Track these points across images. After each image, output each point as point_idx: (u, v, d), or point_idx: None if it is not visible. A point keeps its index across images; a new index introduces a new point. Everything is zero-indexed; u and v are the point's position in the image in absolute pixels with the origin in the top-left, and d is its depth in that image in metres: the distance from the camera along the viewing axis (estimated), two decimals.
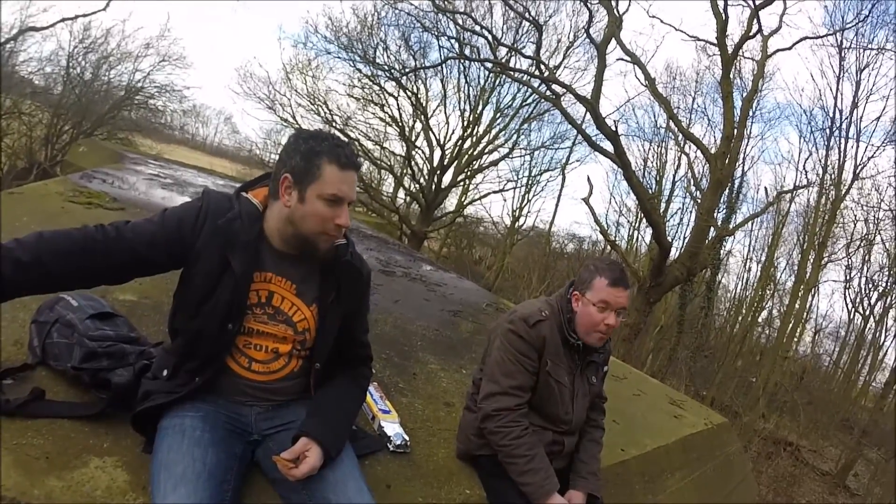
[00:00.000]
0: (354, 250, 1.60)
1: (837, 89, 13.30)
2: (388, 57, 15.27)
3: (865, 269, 14.97)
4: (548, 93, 9.89)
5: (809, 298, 14.30)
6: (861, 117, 13.39)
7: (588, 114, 8.93)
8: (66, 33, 13.86)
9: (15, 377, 1.61)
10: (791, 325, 13.91)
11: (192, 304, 1.43)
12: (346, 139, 1.49)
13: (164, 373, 1.47)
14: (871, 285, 15.13)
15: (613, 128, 8.41)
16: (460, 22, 12.62)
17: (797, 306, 13.81)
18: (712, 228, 9.68)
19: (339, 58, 15.43)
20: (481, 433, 1.92)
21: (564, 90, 9.47)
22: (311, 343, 1.56)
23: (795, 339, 15.14)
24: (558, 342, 1.91)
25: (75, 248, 1.34)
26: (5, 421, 1.44)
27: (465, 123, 16.60)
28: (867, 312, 15.43)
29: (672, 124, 10.56)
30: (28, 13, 12.33)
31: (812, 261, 13.32)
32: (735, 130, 9.42)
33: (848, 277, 15.13)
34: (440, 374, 2.91)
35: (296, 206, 1.43)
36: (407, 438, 1.99)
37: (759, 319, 16.38)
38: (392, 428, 2.01)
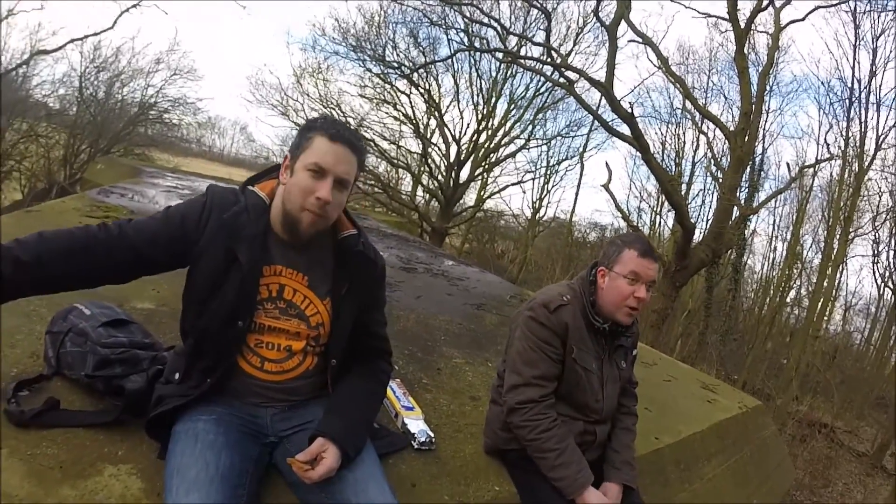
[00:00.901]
0: (367, 240, 1.53)
1: (854, 58, 12.82)
2: (398, 55, 15.18)
3: (893, 241, 14.48)
4: (561, 80, 9.77)
5: (838, 275, 13.93)
6: (880, 85, 12.93)
7: (602, 98, 8.79)
8: (76, 54, 14.09)
9: (30, 388, 1.60)
10: (820, 303, 13.53)
11: (199, 301, 1.39)
12: (349, 122, 1.40)
13: (176, 376, 1.43)
14: None
15: (629, 110, 8.25)
16: (468, 14, 12.45)
17: (825, 284, 13.44)
18: (735, 208, 9.46)
19: (348, 59, 15.41)
20: (508, 427, 1.85)
21: (577, 76, 9.33)
22: (326, 338, 1.50)
23: (825, 318, 14.72)
24: (582, 327, 1.82)
25: (77, 246, 1.31)
26: (20, 432, 1.43)
27: (480, 117, 16.40)
28: None
29: (688, 103, 10.35)
30: (38, 37, 12.58)
31: (838, 236, 12.95)
32: (753, 106, 9.19)
33: (876, 252, 14.59)
34: (465, 368, 2.85)
35: (288, 182, 1.39)
36: (432, 435, 1.93)
37: (788, 299, 16.00)
38: (416, 425, 1.95)
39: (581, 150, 18.00)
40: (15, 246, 1.25)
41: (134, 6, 13.01)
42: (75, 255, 1.30)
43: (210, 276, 1.37)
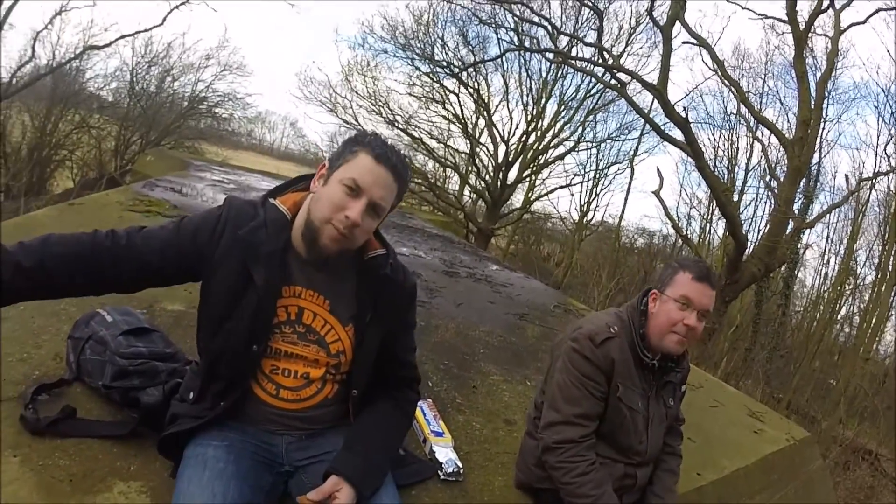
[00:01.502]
0: (396, 261, 1.41)
1: None
2: (447, 53, 15.10)
3: None
4: (612, 81, 9.51)
5: (892, 294, 13.17)
6: None
7: (655, 101, 8.50)
8: (128, 50, 14.52)
9: (50, 393, 1.58)
10: (872, 322, 12.85)
11: (213, 321, 1.30)
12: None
13: (191, 395, 1.35)
14: None
15: (683, 115, 7.95)
16: (518, 12, 12.25)
17: (879, 302, 12.75)
18: (790, 221, 9.02)
19: (396, 57, 15.41)
20: (543, 464, 1.71)
21: (630, 77, 9.06)
22: (348, 367, 1.39)
23: (877, 339, 13.98)
24: (630, 362, 1.66)
25: (82, 253, 1.24)
26: (34, 440, 1.40)
27: (529, 118, 16.14)
28: None
29: (744, 109, 9.93)
30: (91, 33, 13.00)
31: (895, 253, 12.26)
32: (812, 114, 8.73)
33: None
34: (502, 386, 2.73)
35: (319, 191, 1.29)
36: (460, 465, 1.81)
37: (838, 317, 15.25)
38: (444, 453, 1.83)
39: (631, 154, 17.46)
40: (18, 250, 1.19)
41: (183, 3, 13.28)
42: (79, 262, 1.23)
43: (225, 295, 1.28)
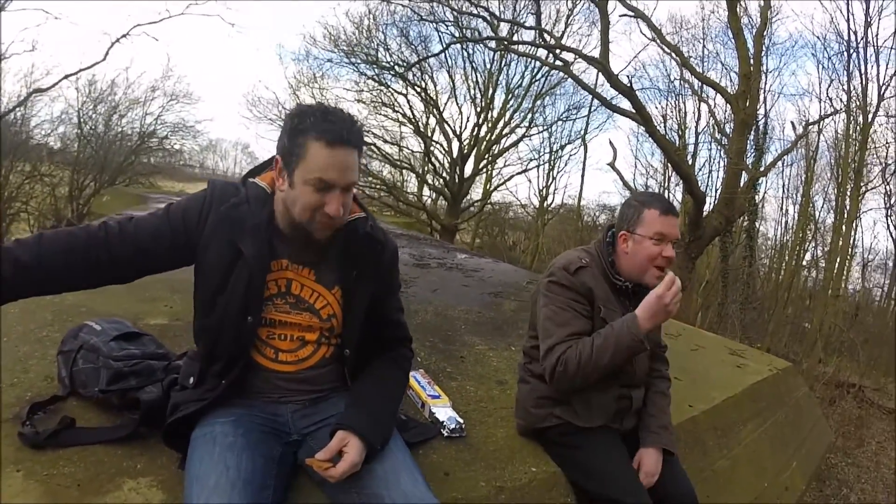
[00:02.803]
0: (375, 223, 1.45)
1: (848, 10, 12.55)
2: (391, 56, 15.20)
3: None
4: (556, 62, 9.66)
5: (852, 232, 13.67)
6: (877, 34, 12.60)
7: (600, 76, 8.71)
8: (72, 91, 14.06)
9: (45, 410, 1.56)
10: (837, 262, 13.30)
11: (207, 298, 1.33)
12: (340, 109, 1.31)
13: (191, 381, 1.37)
14: None
15: (628, 84, 8.14)
16: (455, 6, 12.39)
17: (840, 242, 13.21)
18: (744, 172, 9.31)
19: (342, 65, 15.41)
20: (541, 404, 1.79)
21: (573, 55, 9.24)
22: (340, 329, 1.43)
23: (844, 277, 14.47)
24: (605, 288, 1.75)
25: (77, 244, 1.26)
26: (36, 454, 1.38)
27: (479, 110, 16.39)
28: None
29: (686, 73, 10.23)
30: (33, 78, 12.62)
31: (850, 192, 12.72)
32: (751, 67, 9.04)
33: (889, 204, 14.28)
34: (489, 354, 2.80)
35: (287, 192, 1.29)
36: (461, 421, 1.87)
37: (804, 262, 15.76)
38: (444, 412, 1.89)
39: (583, 132, 17.86)
40: (15, 246, 1.21)
41: (123, 36, 13.02)
42: (76, 253, 1.25)
43: (216, 270, 1.32)
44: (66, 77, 12.70)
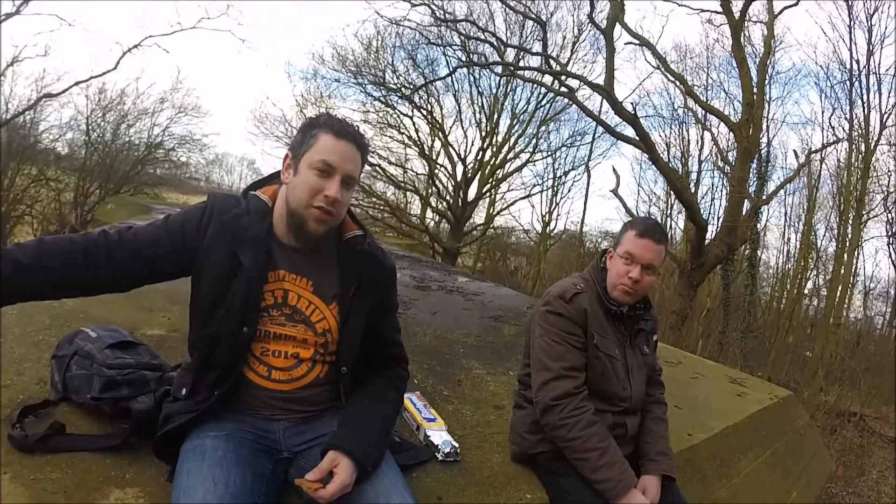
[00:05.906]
0: (373, 241, 1.47)
1: (851, 39, 12.68)
2: (398, 78, 15.31)
3: None
4: (561, 89, 9.75)
5: (854, 261, 13.66)
6: (879, 64, 12.74)
7: (604, 103, 8.77)
8: (82, 98, 14.14)
9: (36, 414, 1.55)
10: (839, 290, 13.26)
11: (205, 308, 1.33)
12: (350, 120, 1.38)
13: (183, 391, 1.36)
14: None
15: (632, 111, 8.20)
16: (463, 31, 12.55)
17: (842, 271, 13.19)
18: (746, 200, 9.33)
19: (349, 85, 15.51)
20: (534, 429, 1.77)
21: (578, 82, 9.33)
22: (335, 346, 1.42)
23: (845, 305, 14.39)
24: (600, 313, 1.76)
25: (77, 250, 1.27)
26: (24, 457, 1.37)
27: (483, 134, 16.48)
28: None
29: (690, 102, 10.31)
30: (43, 83, 12.75)
31: (851, 221, 12.73)
32: (755, 96, 9.12)
33: (890, 233, 14.26)
34: (486, 378, 2.77)
35: (291, 181, 1.35)
36: (456, 445, 1.84)
37: (805, 290, 15.70)
38: (439, 436, 1.86)
39: (586, 159, 17.89)
40: (15, 249, 1.22)
41: (135, 47, 13.17)
42: (75, 258, 1.26)
43: (215, 280, 1.32)
44: (76, 84, 12.84)
